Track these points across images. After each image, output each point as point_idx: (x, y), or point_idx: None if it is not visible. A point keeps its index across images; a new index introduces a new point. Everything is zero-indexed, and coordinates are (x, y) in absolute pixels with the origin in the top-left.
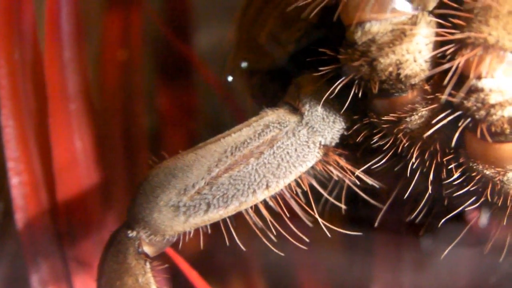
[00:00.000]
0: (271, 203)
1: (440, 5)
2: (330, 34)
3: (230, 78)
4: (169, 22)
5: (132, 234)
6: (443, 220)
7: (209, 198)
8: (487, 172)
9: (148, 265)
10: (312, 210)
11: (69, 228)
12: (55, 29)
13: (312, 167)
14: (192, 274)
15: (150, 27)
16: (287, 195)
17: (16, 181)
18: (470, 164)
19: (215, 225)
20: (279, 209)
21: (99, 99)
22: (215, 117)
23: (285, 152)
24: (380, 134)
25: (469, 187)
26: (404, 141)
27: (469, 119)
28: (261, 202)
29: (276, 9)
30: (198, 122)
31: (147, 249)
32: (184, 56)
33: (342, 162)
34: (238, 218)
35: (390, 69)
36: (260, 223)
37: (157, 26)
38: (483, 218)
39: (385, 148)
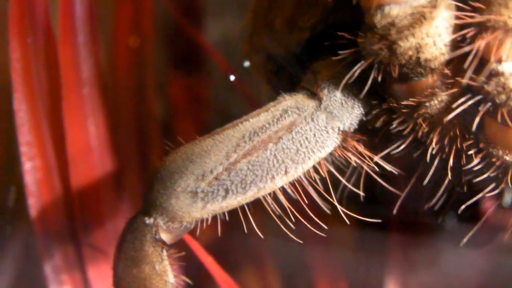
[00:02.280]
0: (289, 190)
1: None
2: (347, 18)
3: (243, 65)
4: (181, 8)
5: (149, 220)
6: (462, 207)
7: (228, 184)
8: (507, 158)
9: (165, 253)
10: (331, 197)
11: (82, 215)
12: (69, 13)
13: (330, 153)
14: (207, 260)
15: (162, 12)
16: (305, 182)
17: (29, 166)
18: (490, 150)
19: (230, 213)
20: (297, 196)
21: (111, 85)
22: (228, 104)
23: (304, 137)
24: (399, 120)
25: (489, 173)
26: (424, 126)
27: (489, 104)
28: (279, 189)
29: None
30: (210, 109)
31: (164, 236)
32: (196, 42)
33: (361, 148)
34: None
35: (410, 52)
36: (278, 210)
37: (169, 11)
38: (507, 198)
39: (404, 133)
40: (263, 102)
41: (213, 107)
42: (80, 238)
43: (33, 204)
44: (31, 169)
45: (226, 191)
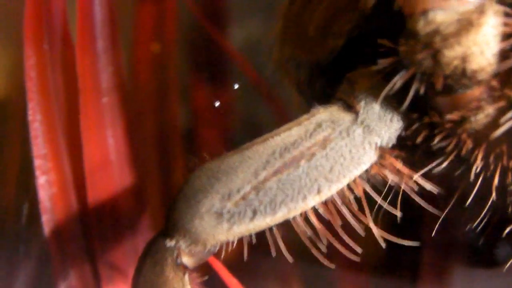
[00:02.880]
0: (320, 210)
1: None
2: (385, 24)
3: (272, 74)
4: (206, 11)
5: (170, 243)
6: (507, 230)
7: (256, 204)
8: None
9: (187, 278)
10: (366, 218)
11: (99, 232)
12: (87, 17)
13: (366, 171)
14: (231, 282)
15: (186, 16)
16: (339, 202)
17: (43, 181)
18: None
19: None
20: (329, 217)
21: (132, 94)
22: (254, 115)
23: (339, 154)
24: (442, 135)
25: None
26: (468, 142)
27: None
28: (310, 209)
29: None
30: (235, 119)
31: (186, 260)
32: (222, 48)
33: (399, 165)
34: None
35: (456, 62)
36: (309, 231)
37: (193, 15)
38: None
39: (446, 150)
40: (290, 109)
41: (238, 115)
42: (97, 257)
43: (47, 220)
44: (45, 183)
45: (254, 212)
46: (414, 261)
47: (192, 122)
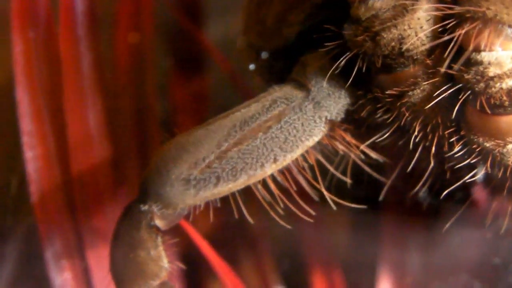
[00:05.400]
0: (278, 178)
1: None
2: (335, 13)
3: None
4: (180, 5)
5: (144, 207)
6: (445, 193)
7: (219, 171)
8: (487, 145)
9: (159, 239)
10: (319, 184)
11: (82, 201)
12: (70, 9)
13: (319, 142)
14: (203, 244)
15: (162, 10)
16: (295, 170)
17: (30, 155)
18: (471, 137)
19: (224, 200)
20: (286, 184)
21: (112, 79)
22: (227, 101)
23: (292, 126)
24: (384, 109)
25: (470, 159)
26: (407, 115)
27: (469, 92)
28: (269, 177)
29: None
30: (209, 106)
31: (158, 222)
32: (196, 39)
33: (348, 136)
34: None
35: (393, 43)
36: (268, 197)
37: (168, 9)
38: (479, 177)
39: (388, 122)
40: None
41: (215, 106)
42: (80, 224)
43: (34, 191)
44: (32, 157)
45: (218, 178)
46: (374, 224)
47: (170, 112)
